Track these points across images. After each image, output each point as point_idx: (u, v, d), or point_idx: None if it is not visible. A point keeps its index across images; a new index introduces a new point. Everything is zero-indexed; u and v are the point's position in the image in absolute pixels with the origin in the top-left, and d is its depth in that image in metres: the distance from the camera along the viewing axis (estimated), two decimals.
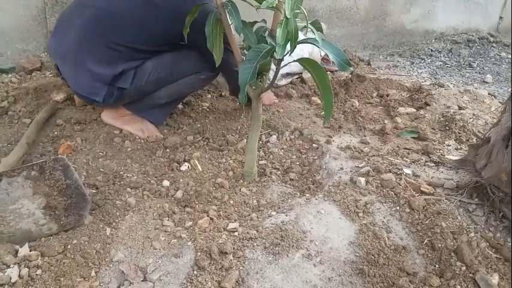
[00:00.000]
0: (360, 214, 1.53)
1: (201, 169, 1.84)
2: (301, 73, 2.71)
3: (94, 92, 1.82)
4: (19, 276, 1.24)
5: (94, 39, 1.77)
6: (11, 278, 1.22)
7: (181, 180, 1.75)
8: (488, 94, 2.76)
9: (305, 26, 1.37)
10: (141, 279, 1.28)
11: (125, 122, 2.00)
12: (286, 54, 1.36)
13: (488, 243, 1.42)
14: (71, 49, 1.81)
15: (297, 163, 1.94)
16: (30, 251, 1.32)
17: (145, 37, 1.82)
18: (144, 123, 2.03)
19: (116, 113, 1.99)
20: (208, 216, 1.56)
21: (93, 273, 1.29)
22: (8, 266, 1.25)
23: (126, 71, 1.82)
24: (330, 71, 2.90)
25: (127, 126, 2.00)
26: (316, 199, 1.62)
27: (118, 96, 1.86)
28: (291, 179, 1.84)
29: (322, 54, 2.82)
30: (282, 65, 1.46)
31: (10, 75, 2.46)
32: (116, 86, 1.82)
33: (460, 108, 2.38)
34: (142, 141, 1.97)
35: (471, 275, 1.32)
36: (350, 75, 2.74)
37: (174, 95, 2.02)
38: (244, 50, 1.73)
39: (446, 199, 1.57)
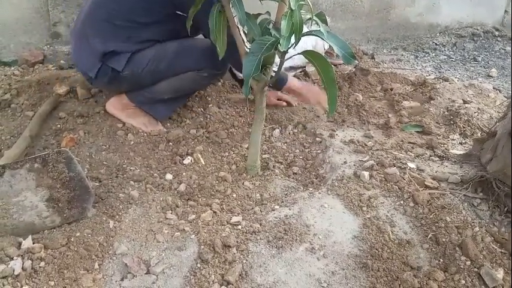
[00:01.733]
0: (364, 208, 1.53)
1: (203, 163, 1.83)
2: (305, 66, 2.69)
3: (89, 67, 1.83)
4: (22, 268, 1.24)
5: (97, 14, 1.81)
6: (14, 270, 1.22)
7: (184, 173, 1.75)
8: (493, 88, 2.74)
9: (310, 18, 1.35)
10: (145, 272, 1.28)
11: (129, 114, 2.00)
12: (290, 47, 1.35)
13: (493, 238, 1.41)
14: (80, 24, 1.86)
15: (300, 157, 1.94)
16: (33, 243, 1.32)
17: (141, 4, 1.79)
18: (148, 117, 2.02)
19: (121, 104, 1.98)
20: (211, 209, 1.56)
21: (96, 266, 1.29)
22: (11, 259, 1.26)
23: (119, 52, 1.80)
24: (334, 65, 2.88)
25: (130, 120, 2.00)
26: (320, 193, 1.62)
27: (112, 78, 1.84)
28: (294, 173, 1.84)
29: (326, 47, 2.79)
30: (286, 57, 1.45)
31: (13, 68, 2.46)
32: (109, 65, 1.81)
33: (464, 102, 2.36)
34: (145, 134, 1.97)
35: (476, 269, 1.32)
36: (354, 69, 2.72)
37: (176, 91, 1.98)
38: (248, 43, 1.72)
39: (450, 193, 1.56)
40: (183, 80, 1.93)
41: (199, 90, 2.22)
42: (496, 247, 1.38)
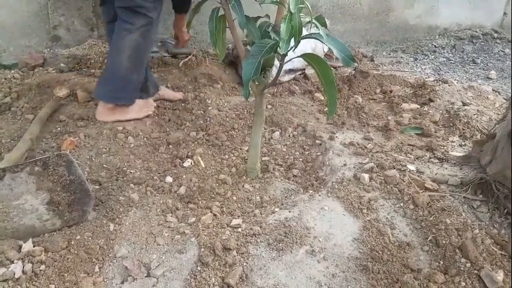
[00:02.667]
0: (364, 210, 1.53)
1: (204, 165, 1.83)
2: (304, 69, 2.70)
3: None
4: (23, 271, 1.24)
5: None
6: (14, 274, 1.22)
7: (184, 176, 1.75)
8: (492, 90, 2.75)
9: (309, 21, 1.36)
10: (145, 275, 1.28)
11: (121, 113, 2.00)
12: (290, 50, 1.35)
13: (493, 240, 1.41)
14: None
15: (300, 159, 1.94)
16: (33, 246, 1.32)
17: None
18: (137, 104, 2.05)
19: (107, 109, 2.01)
20: (211, 212, 1.56)
21: (96, 269, 1.29)
22: (12, 262, 1.26)
23: None
24: (333, 67, 2.89)
25: (128, 115, 2.01)
26: (320, 195, 1.62)
27: None
28: (294, 176, 1.84)
29: (325, 50, 2.80)
30: (285, 60, 1.45)
31: (13, 71, 2.46)
32: None
33: (464, 104, 2.37)
34: (145, 137, 1.97)
35: (476, 271, 1.32)
36: (353, 72, 2.73)
37: (130, 59, 1.94)
38: (248, 46, 1.72)
39: (450, 196, 1.56)
40: (122, 47, 1.91)
41: (148, 49, 2.06)
42: (496, 249, 1.39)
